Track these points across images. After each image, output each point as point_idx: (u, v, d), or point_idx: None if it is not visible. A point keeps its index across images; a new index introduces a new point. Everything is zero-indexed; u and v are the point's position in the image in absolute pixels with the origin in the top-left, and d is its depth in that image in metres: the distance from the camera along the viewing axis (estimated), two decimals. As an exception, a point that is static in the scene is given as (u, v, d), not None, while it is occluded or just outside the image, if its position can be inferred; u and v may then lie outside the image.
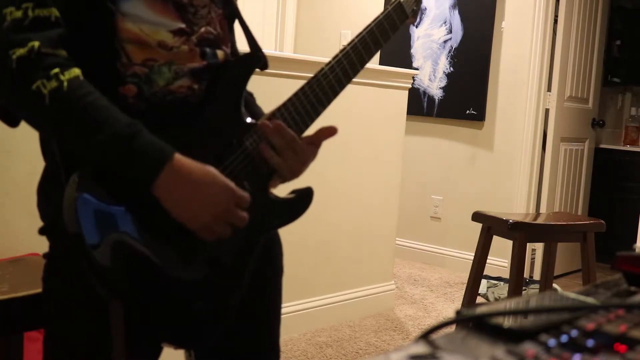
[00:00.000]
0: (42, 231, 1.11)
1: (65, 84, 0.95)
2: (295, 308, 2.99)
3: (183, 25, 1.09)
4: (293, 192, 1.20)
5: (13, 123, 1.08)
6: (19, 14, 0.96)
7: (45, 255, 1.14)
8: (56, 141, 1.03)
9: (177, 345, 1.14)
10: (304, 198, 1.18)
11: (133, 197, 1.02)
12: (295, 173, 1.15)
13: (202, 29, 1.12)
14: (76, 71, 0.97)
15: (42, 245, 1.14)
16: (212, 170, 1.03)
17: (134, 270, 1.03)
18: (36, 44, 0.95)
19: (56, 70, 0.95)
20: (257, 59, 1.18)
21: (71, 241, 1.00)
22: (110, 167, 0.99)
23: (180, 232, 1.04)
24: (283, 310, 1.36)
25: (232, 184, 1.04)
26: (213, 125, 1.11)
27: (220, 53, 1.15)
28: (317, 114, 1.16)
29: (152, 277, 1.04)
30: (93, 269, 0.99)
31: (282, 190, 1.20)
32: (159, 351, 1.16)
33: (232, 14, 1.21)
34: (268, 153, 1.12)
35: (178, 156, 1.00)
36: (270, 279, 1.30)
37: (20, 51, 0.94)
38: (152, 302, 1.06)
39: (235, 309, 1.16)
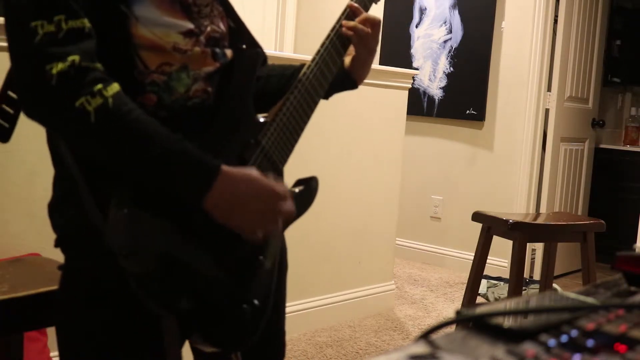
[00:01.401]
0: (57, 243, 1.10)
1: (110, 100, 0.92)
2: (295, 308, 2.99)
3: (192, 26, 1.08)
4: (298, 183, 1.21)
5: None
6: (51, 27, 0.92)
7: (61, 267, 1.12)
8: (71, 153, 1.00)
9: (226, 349, 1.13)
10: (312, 187, 1.23)
11: (173, 208, 1.00)
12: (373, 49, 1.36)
13: (208, 28, 1.12)
14: (117, 86, 0.95)
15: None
16: (253, 175, 1.03)
17: (182, 280, 1.01)
18: (76, 58, 0.92)
19: (99, 86, 0.92)
20: (258, 56, 1.19)
21: (100, 257, 0.98)
22: (158, 183, 0.98)
23: (218, 237, 1.04)
24: (283, 310, 1.37)
25: (272, 184, 1.04)
26: (229, 126, 1.11)
27: (228, 52, 1.14)
28: (333, 74, 1.26)
29: (197, 284, 1.03)
30: (144, 287, 0.97)
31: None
32: (181, 344, 1.16)
33: (227, 11, 1.21)
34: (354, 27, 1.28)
35: (225, 168, 0.99)
36: (281, 275, 1.31)
37: (60, 66, 0.90)
38: (201, 311, 1.04)
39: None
